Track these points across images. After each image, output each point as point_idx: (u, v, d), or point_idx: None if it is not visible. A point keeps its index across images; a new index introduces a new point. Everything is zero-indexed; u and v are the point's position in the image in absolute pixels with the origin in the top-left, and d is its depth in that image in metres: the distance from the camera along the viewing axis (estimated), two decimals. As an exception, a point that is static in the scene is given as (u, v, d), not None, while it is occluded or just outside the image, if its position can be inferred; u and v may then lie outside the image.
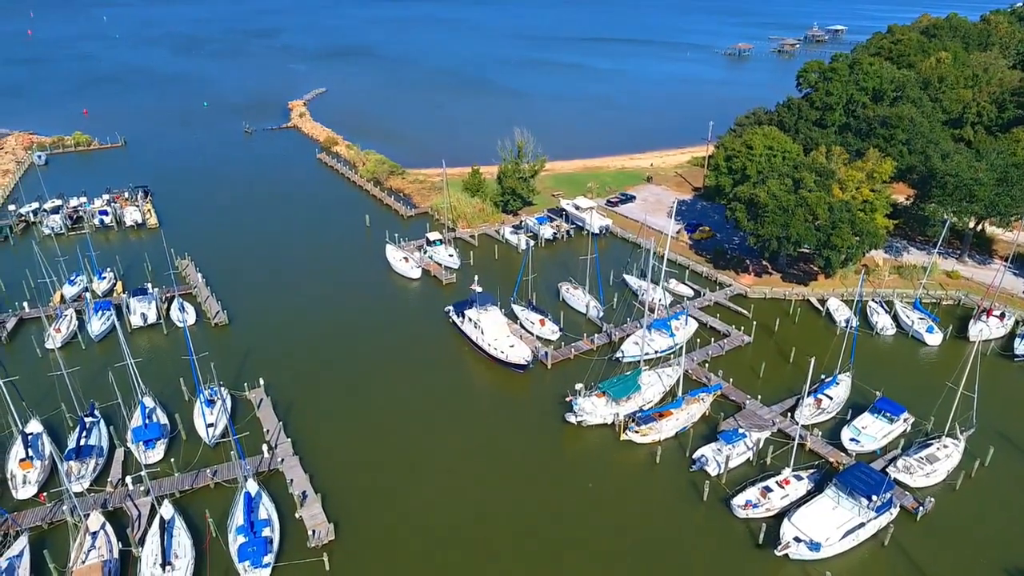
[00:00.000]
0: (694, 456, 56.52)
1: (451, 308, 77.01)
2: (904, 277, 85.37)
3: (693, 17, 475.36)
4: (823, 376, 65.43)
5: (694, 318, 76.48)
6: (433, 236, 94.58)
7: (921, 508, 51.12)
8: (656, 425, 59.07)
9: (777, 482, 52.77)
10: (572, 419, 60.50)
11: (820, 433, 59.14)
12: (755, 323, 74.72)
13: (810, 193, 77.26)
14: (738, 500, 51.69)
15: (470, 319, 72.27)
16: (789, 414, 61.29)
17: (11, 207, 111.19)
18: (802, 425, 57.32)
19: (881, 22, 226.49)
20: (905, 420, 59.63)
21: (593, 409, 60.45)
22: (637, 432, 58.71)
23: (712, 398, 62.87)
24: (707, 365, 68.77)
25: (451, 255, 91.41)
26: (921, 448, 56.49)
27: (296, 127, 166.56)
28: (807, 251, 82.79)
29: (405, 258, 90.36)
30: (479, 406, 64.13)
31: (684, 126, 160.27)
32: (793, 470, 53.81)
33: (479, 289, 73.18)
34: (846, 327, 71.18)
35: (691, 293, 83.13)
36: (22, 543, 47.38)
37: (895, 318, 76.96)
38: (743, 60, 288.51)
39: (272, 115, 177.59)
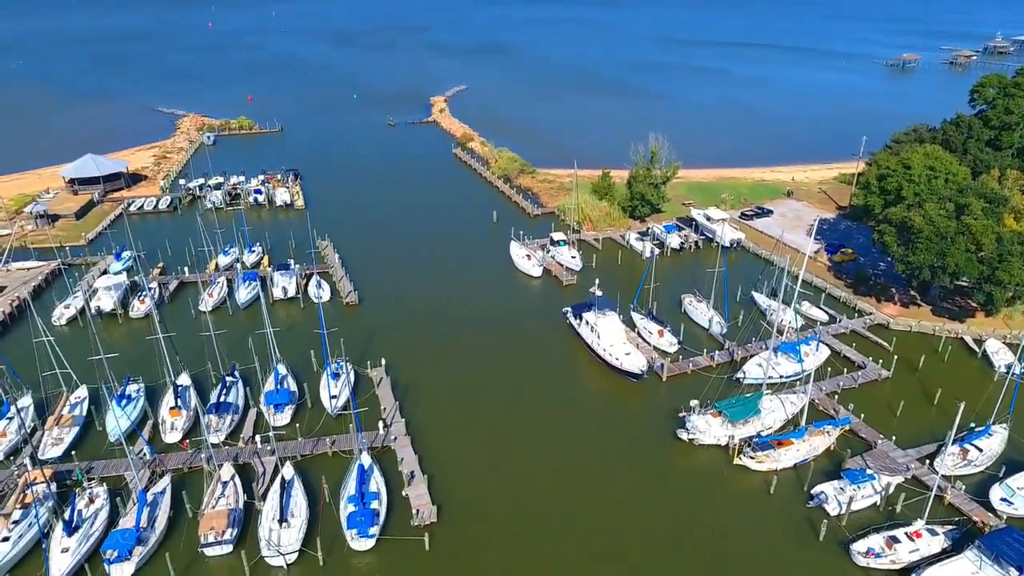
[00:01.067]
0: (813, 491, 52.95)
1: (569, 309, 76.88)
2: (1083, 324, 75.44)
3: (850, 24, 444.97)
4: (973, 424, 59.08)
5: (826, 345, 71.61)
6: (557, 236, 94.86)
7: (1081, 587, 44.95)
8: (774, 453, 55.89)
9: (907, 534, 48.28)
10: (684, 436, 58.57)
11: (964, 487, 53.44)
12: (896, 357, 68.76)
13: (975, 221, 69.93)
14: (859, 546, 47.82)
15: (587, 322, 71.79)
16: (928, 461, 55.83)
17: (182, 181, 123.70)
18: (943, 475, 52.04)
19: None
20: (1071, 485, 52.68)
21: (707, 428, 58.19)
22: (752, 458, 55.86)
23: (839, 432, 58.58)
24: (836, 397, 64.16)
25: (574, 256, 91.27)
26: (1088, 519, 49.68)
27: (436, 122, 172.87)
28: (965, 284, 75.07)
29: (528, 256, 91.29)
30: (589, 411, 63.57)
31: (833, 140, 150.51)
32: (927, 523, 49.00)
33: (599, 293, 72.52)
34: (1007, 373, 63.89)
35: (825, 318, 77.92)
36: (166, 482, 52.54)
37: (1067, 369, 68.12)
38: (907, 72, 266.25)
39: (415, 109, 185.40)
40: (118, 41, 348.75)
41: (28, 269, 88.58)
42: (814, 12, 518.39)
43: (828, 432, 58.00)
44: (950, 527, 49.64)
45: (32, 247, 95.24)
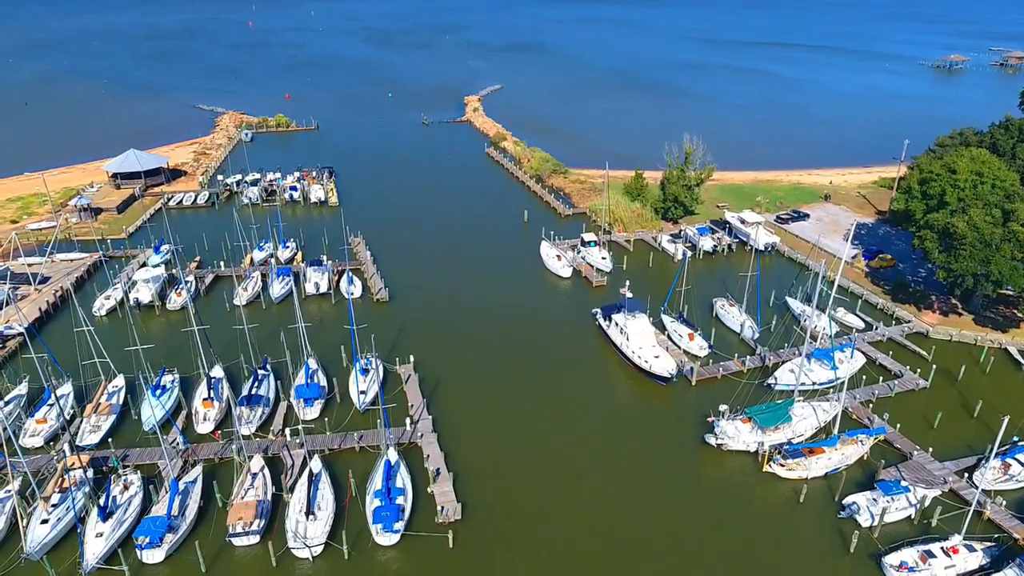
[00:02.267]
0: (844, 502, 51.73)
1: (599, 311, 76.38)
2: None
3: (897, 24, 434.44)
4: (1016, 439, 57.07)
5: (862, 352, 69.90)
6: (588, 237, 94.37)
7: None
8: (804, 461, 54.74)
9: (943, 549, 46.83)
10: (712, 441, 57.73)
11: (1004, 502, 51.67)
12: (934, 367, 66.78)
13: (1023, 228, 67.55)
14: (892, 559, 46.57)
15: (617, 324, 71.25)
16: (967, 475, 54.12)
17: (220, 177, 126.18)
18: (982, 490, 50.36)
19: None
20: (1118, 505, 50.57)
21: (736, 434, 57.27)
22: (783, 465, 54.80)
23: (873, 442, 57.08)
24: (871, 406, 62.56)
25: (604, 257, 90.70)
26: None
27: (469, 121, 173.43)
28: (1011, 293, 72.61)
29: (558, 256, 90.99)
30: (617, 412, 63.08)
31: (874, 143, 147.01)
32: (965, 538, 47.47)
33: (629, 295, 71.92)
34: (1051, 386, 61.62)
35: (861, 325, 76.08)
36: (197, 471, 53.61)
37: (1118, 383, 65.38)
38: (954, 74, 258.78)
39: (449, 108, 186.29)
40: (162, 38, 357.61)
41: (71, 260, 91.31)
42: (861, 13, 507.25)
43: (861, 441, 56.57)
44: (989, 544, 48.03)
45: (76, 239, 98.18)
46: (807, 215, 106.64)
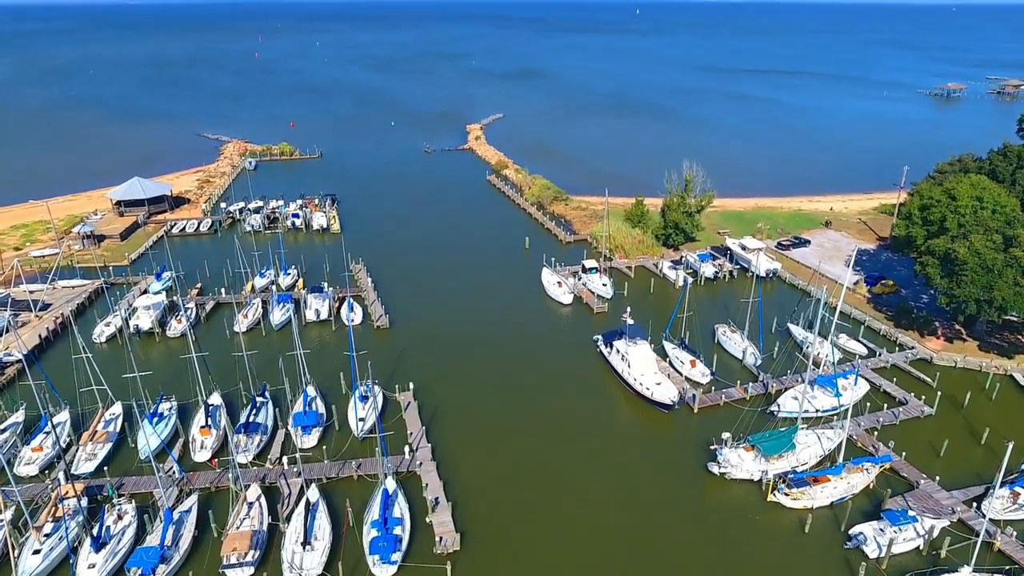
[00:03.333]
0: (851, 532, 50.75)
1: (600, 337, 75.99)
2: None
3: (891, 51, 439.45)
4: (1023, 467, 56.24)
5: (865, 379, 69.24)
6: (589, 264, 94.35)
7: None
8: (809, 491, 53.88)
9: (952, 580, 45.86)
10: (715, 469, 56.93)
11: (1014, 533, 50.67)
12: (939, 393, 66.06)
13: (1024, 254, 67.35)
14: (901, 592, 45.56)
15: (618, 351, 70.81)
16: (975, 504, 53.18)
17: (223, 205, 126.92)
18: (991, 519, 49.43)
19: None
20: None
21: (739, 462, 56.49)
22: (787, 495, 53.92)
23: (878, 470, 56.26)
24: (876, 433, 61.78)
25: (605, 284, 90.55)
26: None
27: (471, 149, 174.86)
28: (1015, 319, 72.15)
29: (559, 283, 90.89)
30: (619, 440, 62.32)
31: (874, 169, 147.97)
32: (974, 569, 46.40)
33: (630, 321, 71.59)
34: (1058, 413, 60.83)
35: (864, 351, 75.52)
36: (192, 500, 52.87)
37: (1126, 410, 64.56)
38: (951, 101, 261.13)
39: (451, 136, 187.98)
40: (170, 67, 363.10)
41: (73, 287, 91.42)
42: (854, 41, 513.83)
43: (867, 469, 55.76)
44: (1000, 575, 46.96)
45: (78, 266, 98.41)
46: (808, 241, 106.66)
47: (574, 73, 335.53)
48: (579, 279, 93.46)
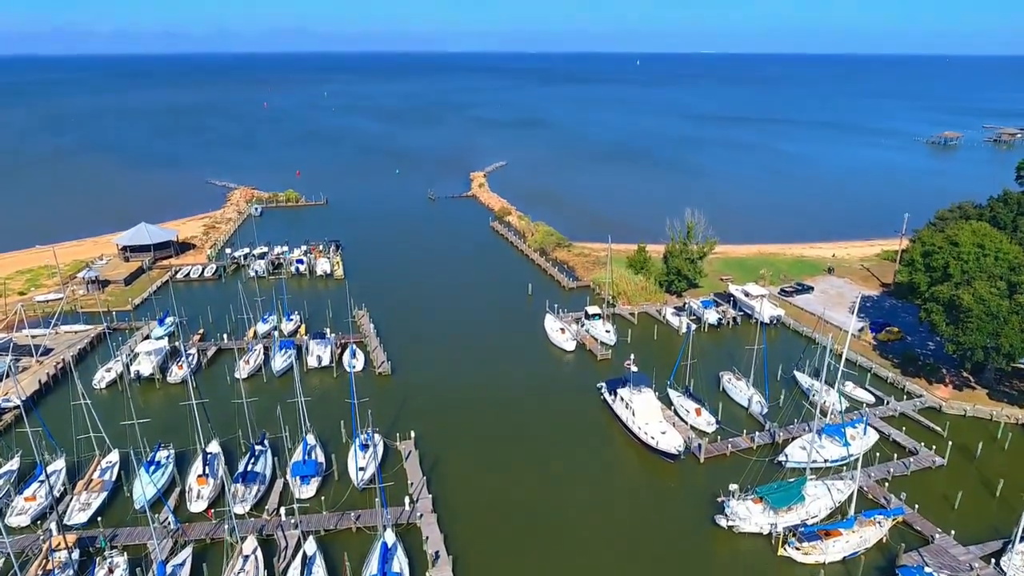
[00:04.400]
0: (865, 589, 49.16)
1: (604, 385, 75.22)
2: None
3: (883, 102, 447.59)
4: (1040, 519, 54.72)
5: (874, 428, 68.09)
6: (592, 310, 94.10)
7: None
8: (821, 545, 52.36)
9: (972, 640, 44.09)
10: (723, 522, 55.49)
11: (1033, 589, 48.97)
12: (950, 443, 64.80)
13: (1030, 301, 66.94)
14: (919, 653, 43.77)
15: (622, 399, 69.96)
16: (993, 560, 51.49)
17: (228, 250, 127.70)
18: (1009, 576, 47.84)
19: None
20: None
21: (747, 515, 55.09)
22: (798, 549, 52.38)
23: (891, 523, 54.76)
24: (887, 484, 60.37)
25: (608, 331, 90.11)
26: None
27: (475, 196, 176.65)
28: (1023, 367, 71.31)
29: (562, 329, 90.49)
30: (623, 491, 60.96)
31: (874, 216, 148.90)
32: (994, 629, 44.77)
33: (634, 368, 70.90)
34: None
35: (872, 400, 74.49)
36: (186, 553, 51.52)
37: None
38: (949, 149, 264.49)
39: (455, 183, 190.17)
40: (182, 115, 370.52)
41: (75, 332, 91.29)
42: (844, 91, 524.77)
43: (880, 523, 54.29)
44: (1020, 636, 45.18)
45: (81, 311, 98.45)
46: (811, 288, 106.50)
47: (576, 122, 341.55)
48: (582, 325, 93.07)
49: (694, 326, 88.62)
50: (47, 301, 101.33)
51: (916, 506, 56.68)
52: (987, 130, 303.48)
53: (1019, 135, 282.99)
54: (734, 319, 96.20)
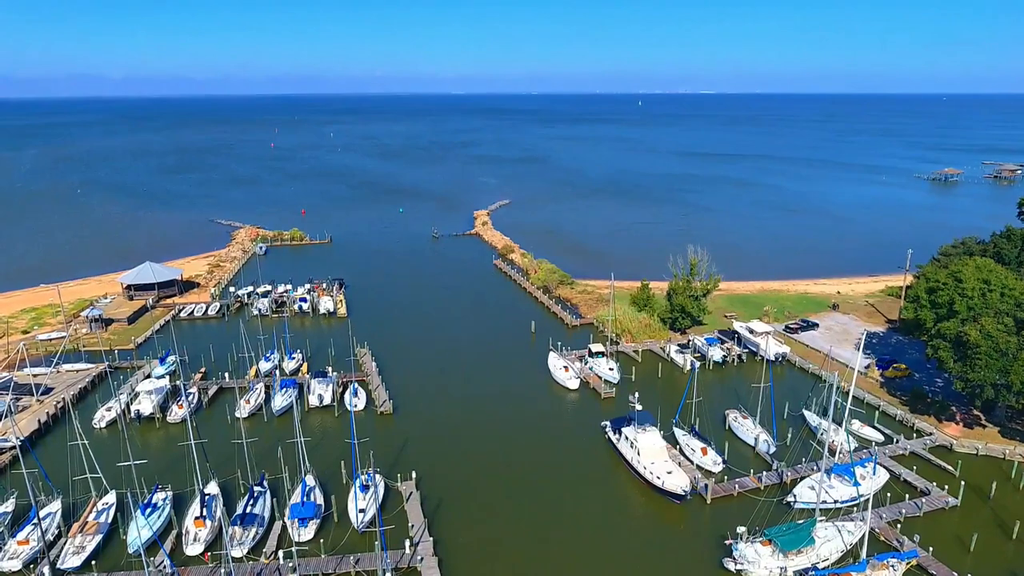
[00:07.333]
0: (880, 636, 47.51)
1: (608, 424, 74.22)
2: None
3: (878, 140, 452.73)
4: (1058, 563, 53.20)
5: (884, 467, 66.77)
6: (596, 348, 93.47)
7: None
8: (833, 589, 50.88)
9: None
10: (731, 566, 54.01)
11: (1054, 637, 47.29)
12: (963, 483, 63.38)
13: (1038, 337, 66.27)
14: None
15: (627, 438, 68.91)
16: (1010, 605, 49.97)
17: (231, 288, 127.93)
18: (1028, 622, 46.22)
19: None
20: None
21: (756, 558, 53.64)
22: (809, 594, 50.90)
23: (905, 567, 53.22)
24: (899, 526, 58.88)
25: (612, 368, 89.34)
26: None
27: (478, 234, 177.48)
28: (1034, 405, 70.15)
29: (565, 367, 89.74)
30: (629, 533, 59.55)
31: (877, 253, 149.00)
32: None
33: (639, 407, 69.99)
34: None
35: (881, 438, 73.20)
36: (182, 600, 50.29)
37: None
38: (950, 186, 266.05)
39: (458, 221, 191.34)
40: (189, 155, 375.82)
41: (77, 371, 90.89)
42: (839, 129, 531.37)
43: (893, 567, 52.75)
44: None
45: (84, 350, 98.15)
46: (816, 324, 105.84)
47: (580, 162, 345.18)
48: (586, 363, 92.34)
49: (699, 363, 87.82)
50: (50, 340, 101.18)
51: (931, 548, 55.18)
52: (987, 166, 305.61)
53: (1019, 171, 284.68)
54: (739, 356, 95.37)
